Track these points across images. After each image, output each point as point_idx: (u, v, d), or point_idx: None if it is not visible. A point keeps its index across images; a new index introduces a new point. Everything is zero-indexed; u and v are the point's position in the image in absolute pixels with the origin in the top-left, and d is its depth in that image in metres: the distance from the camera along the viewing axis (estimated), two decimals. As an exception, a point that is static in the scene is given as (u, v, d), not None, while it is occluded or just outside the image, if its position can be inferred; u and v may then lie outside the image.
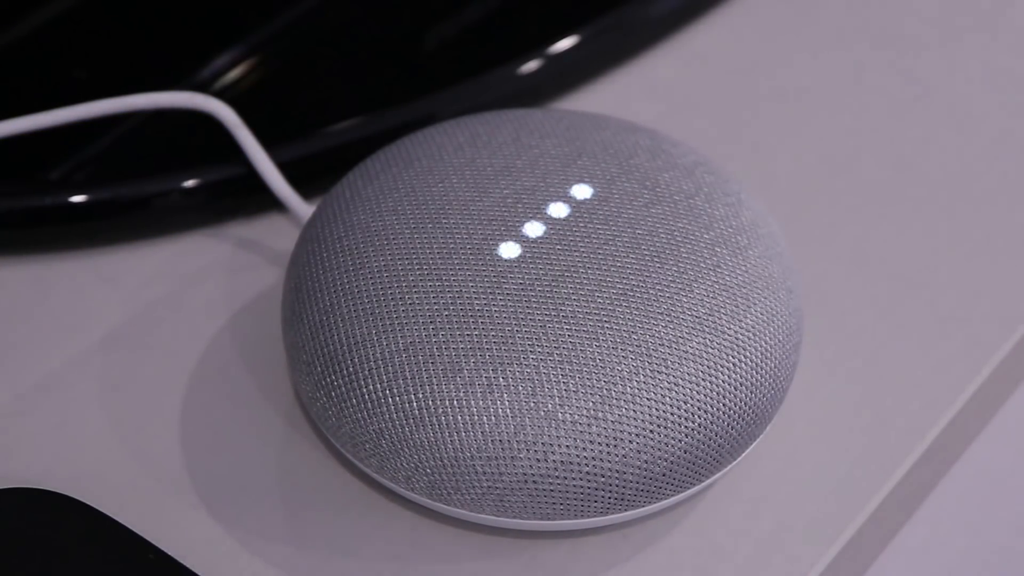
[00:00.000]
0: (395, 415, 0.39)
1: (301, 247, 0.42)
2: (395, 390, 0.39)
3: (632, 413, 0.38)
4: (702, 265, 0.40)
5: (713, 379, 0.39)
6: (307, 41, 0.52)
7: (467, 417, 0.38)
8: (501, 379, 0.38)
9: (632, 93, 0.53)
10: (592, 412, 0.38)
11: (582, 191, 0.42)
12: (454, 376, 0.38)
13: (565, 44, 0.52)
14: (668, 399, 0.39)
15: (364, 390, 0.39)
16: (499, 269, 0.40)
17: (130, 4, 0.53)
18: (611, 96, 0.53)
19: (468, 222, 0.41)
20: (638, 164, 0.43)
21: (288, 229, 0.48)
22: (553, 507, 0.39)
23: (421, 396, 0.38)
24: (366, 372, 0.39)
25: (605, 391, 0.38)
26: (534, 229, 0.41)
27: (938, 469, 0.45)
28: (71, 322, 0.46)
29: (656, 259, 0.40)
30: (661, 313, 0.39)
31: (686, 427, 0.39)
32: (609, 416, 0.38)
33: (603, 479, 0.38)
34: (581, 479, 0.38)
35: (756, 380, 0.40)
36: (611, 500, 0.39)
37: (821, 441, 0.43)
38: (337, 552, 0.41)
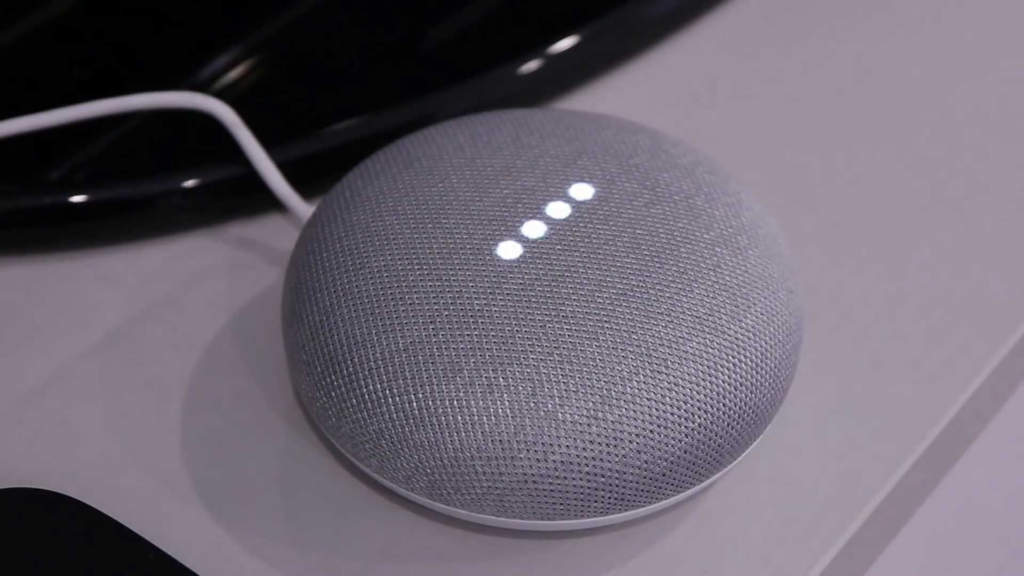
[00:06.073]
0: (395, 415, 0.39)
1: (301, 247, 0.42)
2: (395, 390, 0.39)
3: (632, 413, 0.38)
4: (702, 265, 0.40)
5: (713, 379, 0.39)
6: (307, 41, 0.52)
7: (467, 417, 0.38)
8: (501, 379, 0.38)
9: (632, 93, 0.53)
10: (592, 412, 0.38)
11: (582, 191, 0.42)
12: (454, 376, 0.38)
13: (565, 44, 0.52)
14: (668, 399, 0.39)
15: (364, 390, 0.39)
16: (499, 269, 0.40)
17: (130, 4, 0.53)
18: (611, 96, 0.53)
19: (468, 222, 0.41)
20: (638, 164, 0.43)
21: (288, 229, 0.48)
22: (553, 507, 0.39)
23: (421, 396, 0.38)
24: (366, 372, 0.39)
25: (605, 391, 0.38)
26: (534, 229, 0.41)
27: (938, 469, 0.45)
28: (71, 322, 0.46)
29: (656, 259, 0.40)
30: (661, 313, 0.39)
31: (686, 427, 0.39)
32: (609, 416, 0.38)
33: (603, 479, 0.38)
34: (581, 479, 0.38)
35: (756, 380, 0.40)
36: (611, 500, 0.39)
37: (821, 441, 0.43)
38: (337, 552, 0.41)
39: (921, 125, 0.52)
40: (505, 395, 0.38)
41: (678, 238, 0.41)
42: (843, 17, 0.56)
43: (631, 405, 0.38)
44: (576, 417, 0.38)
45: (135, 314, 0.46)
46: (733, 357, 0.39)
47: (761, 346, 0.40)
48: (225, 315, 0.46)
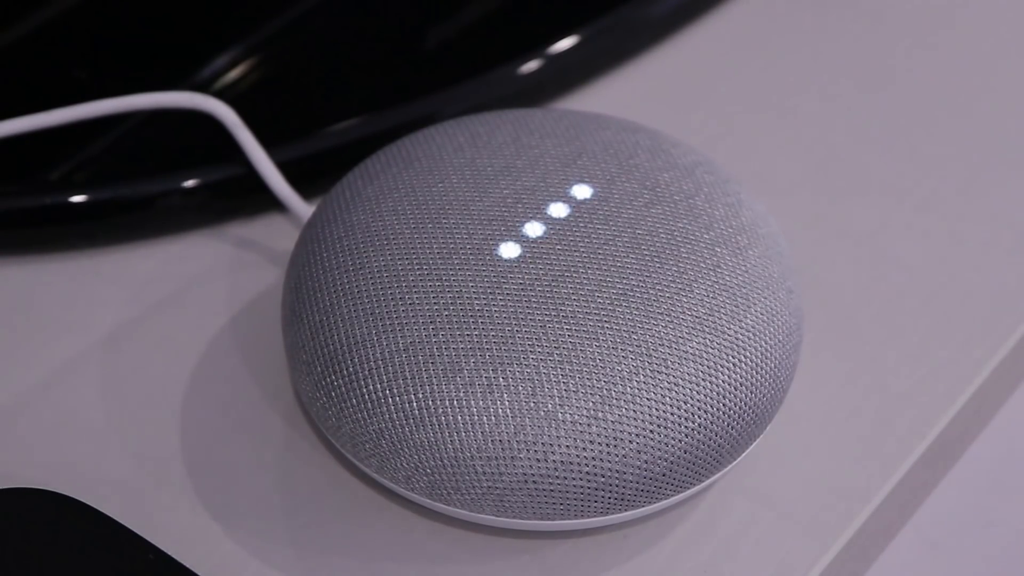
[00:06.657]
0: (395, 415, 0.39)
1: (301, 247, 0.42)
2: (395, 390, 0.39)
3: (632, 413, 0.38)
4: (702, 265, 0.40)
5: (713, 379, 0.39)
6: (307, 41, 0.52)
7: (467, 417, 0.38)
8: (501, 379, 0.38)
9: (632, 93, 0.53)
10: (592, 412, 0.38)
11: (582, 191, 0.42)
12: (454, 376, 0.38)
13: (565, 44, 0.52)
14: (668, 399, 0.39)
15: (364, 390, 0.39)
16: (499, 269, 0.40)
17: (130, 4, 0.53)
18: (611, 96, 0.53)
19: (468, 222, 0.41)
20: (638, 164, 0.43)
21: (288, 229, 0.48)
22: (553, 507, 0.39)
23: (421, 396, 0.38)
24: (366, 372, 0.39)
25: (605, 391, 0.38)
26: (534, 229, 0.41)
27: (938, 469, 0.45)
28: (71, 322, 0.46)
29: (656, 259, 0.40)
30: (661, 313, 0.39)
31: (686, 427, 0.39)
32: (609, 416, 0.38)
33: (603, 479, 0.38)
34: (581, 479, 0.38)
35: (756, 380, 0.40)
36: (611, 500, 0.39)
37: (821, 441, 0.43)
38: (337, 552, 0.41)
39: (921, 125, 0.52)
40: (505, 395, 0.38)
41: (678, 238, 0.41)
42: (843, 17, 0.56)
43: (631, 405, 0.38)
44: (576, 417, 0.38)
45: (135, 314, 0.46)
46: (733, 357, 0.39)
47: (761, 346, 0.40)
48: (225, 315, 0.46)
